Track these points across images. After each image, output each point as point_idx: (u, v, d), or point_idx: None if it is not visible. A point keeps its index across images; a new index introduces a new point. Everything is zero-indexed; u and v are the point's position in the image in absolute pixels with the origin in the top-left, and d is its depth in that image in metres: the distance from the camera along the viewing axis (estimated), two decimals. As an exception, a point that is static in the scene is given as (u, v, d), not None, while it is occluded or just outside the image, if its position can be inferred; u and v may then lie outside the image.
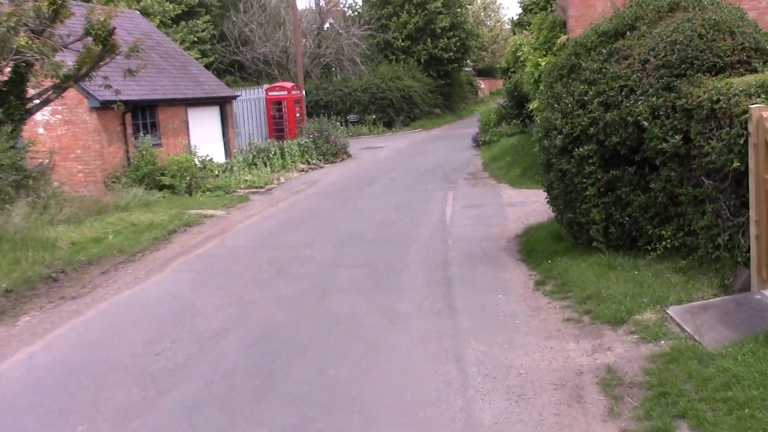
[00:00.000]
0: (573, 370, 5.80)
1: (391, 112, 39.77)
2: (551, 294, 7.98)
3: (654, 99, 8.09)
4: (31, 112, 14.87)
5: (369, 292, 8.87)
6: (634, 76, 8.43)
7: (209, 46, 37.25)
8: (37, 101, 14.86)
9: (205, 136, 23.14)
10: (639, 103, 8.20)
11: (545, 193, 10.29)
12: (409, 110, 40.50)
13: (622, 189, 8.45)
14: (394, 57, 43.09)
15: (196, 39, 35.71)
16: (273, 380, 6.20)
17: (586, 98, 8.85)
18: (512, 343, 6.61)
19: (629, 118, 8.24)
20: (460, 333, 7.02)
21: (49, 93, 14.85)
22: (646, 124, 8.08)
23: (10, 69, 13.98)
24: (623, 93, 8.48)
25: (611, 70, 8.73)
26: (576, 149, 8.80)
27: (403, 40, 43.04)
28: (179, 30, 34.58)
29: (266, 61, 39.98)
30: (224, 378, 6.33)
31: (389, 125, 39.66)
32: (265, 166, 23.37)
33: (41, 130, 18.40)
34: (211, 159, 21.99)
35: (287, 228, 13.81)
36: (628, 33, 9.12)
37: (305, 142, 25.71)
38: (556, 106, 9.35)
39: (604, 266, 8.15)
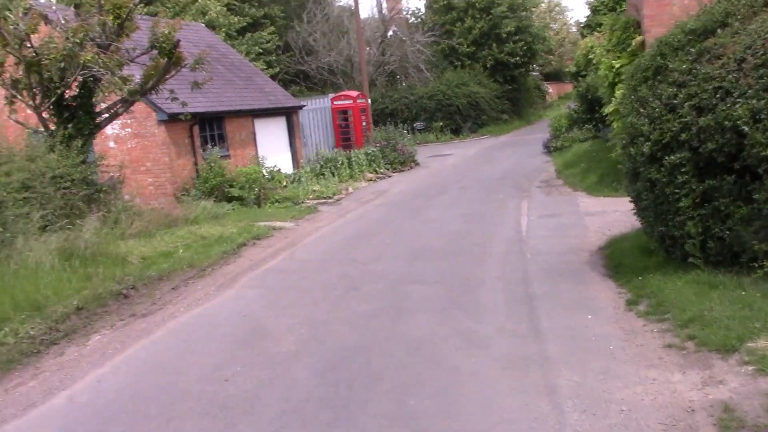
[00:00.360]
0: (683, 407, 5.20)
1: (458, 119, 39.24)
2: (646, 315, 7.34)
3: (754, 101, 7.37)
4: (100, 126, 14.96)
5: (446, 311, 8.39)
6: (730, 76, 7.72)
7: (274, 57, 37.42)
8: (105, 115, 14.93)
9: (272, 147, 23.09)
10: (737, 106, 7.49)
11: (630, 203, 9.65)
12: (476, 117, 39.87)
13: (721, 200, 7.73)
14: (459, 63, 42.54)
15: (261, 50, 35.91)
16: (349, 412, 5.79)
17: (675, 102, 8.17)
18: (609, 372, 6.02)
19: (726, 122, 7.53)
20: (549, 360, 6.47)
21: (117, 107, 14.91)
22: (746, 129, 7.36)
23: (77, 84, 14.07)
24: (718, 95, 7.76)
25: (703, 71, 8.03)
26: (666, 157, 8.13)
27: (468, 46, 42.44)
28: (244, 42, 34.82)
29: (331, 70, 39.94)
30: (296, 408, 5.94)
31: (456, 132, 39.12)
32: (333, 176, 23.20)
33: (112, 144, 18.57)
34: (279, 170, 21.92)
35: (357, 240, 13.46)
36: (719, 30, 8.42)
37: (372, 151, 25.44)
38: (641, 110, 8.69)
39: (703, 285, 7.45)
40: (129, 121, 18.20)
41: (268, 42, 36.53)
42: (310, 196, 20.32)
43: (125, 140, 18.51)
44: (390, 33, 43.73)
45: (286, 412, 5.87)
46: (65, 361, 7.55)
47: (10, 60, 13.77)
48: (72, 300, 9.16)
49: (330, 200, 19.93)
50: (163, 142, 18.13)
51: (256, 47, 35.55)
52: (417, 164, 26.91)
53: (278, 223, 15.98)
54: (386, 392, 6.11)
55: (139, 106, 17.53)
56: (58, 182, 12.77)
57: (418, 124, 38.24)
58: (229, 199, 18.52)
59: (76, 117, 14.27)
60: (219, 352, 7.53)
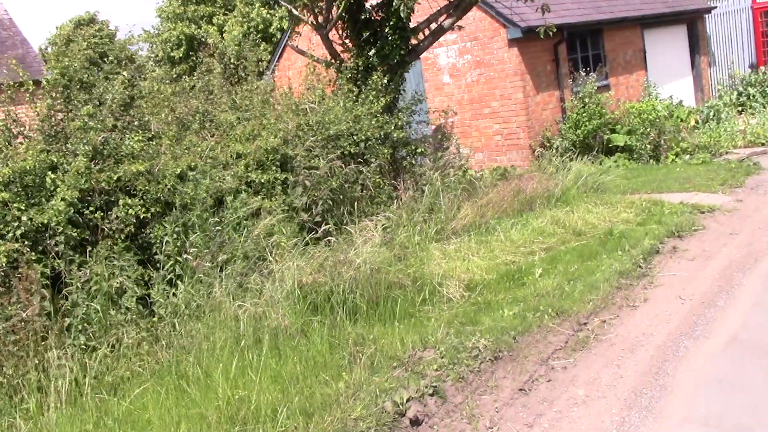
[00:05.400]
0: None
1: None
2: None
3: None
4: (417, 50, 9.63)
5: None
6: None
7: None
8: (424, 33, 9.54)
9: (667, 70, 16.15)
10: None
11: None
12: None
13: None
14: None
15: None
16: None
17: None
18: None
19: None
20: None
21: (443, 17, 9.38)
22: None
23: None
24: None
25: None
26: None
27: None
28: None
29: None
30: None
31: None
32: (765, 107, 15.48)
33: (446, 78, 13.36)
34: (681, 102, 14.93)
35: None
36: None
37: (825, 67, 16.90)
38: None
39: None
40: (468, 45, 12.77)
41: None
42: (738, 143, 13.11)
43: (463, 72, 13.14)
44: None
45: None
46: None
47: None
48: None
49: (771, 147, 12.61)
50: (516, 71, 12.36)
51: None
52: None
53: (702, 197, 9.35)
54: None
55: (482, 22, 12.00)
56: (341, 146, 7.70)
57: None
58: (611, 150, 12.35)
59: (380, 37, 9.11)
60: None
